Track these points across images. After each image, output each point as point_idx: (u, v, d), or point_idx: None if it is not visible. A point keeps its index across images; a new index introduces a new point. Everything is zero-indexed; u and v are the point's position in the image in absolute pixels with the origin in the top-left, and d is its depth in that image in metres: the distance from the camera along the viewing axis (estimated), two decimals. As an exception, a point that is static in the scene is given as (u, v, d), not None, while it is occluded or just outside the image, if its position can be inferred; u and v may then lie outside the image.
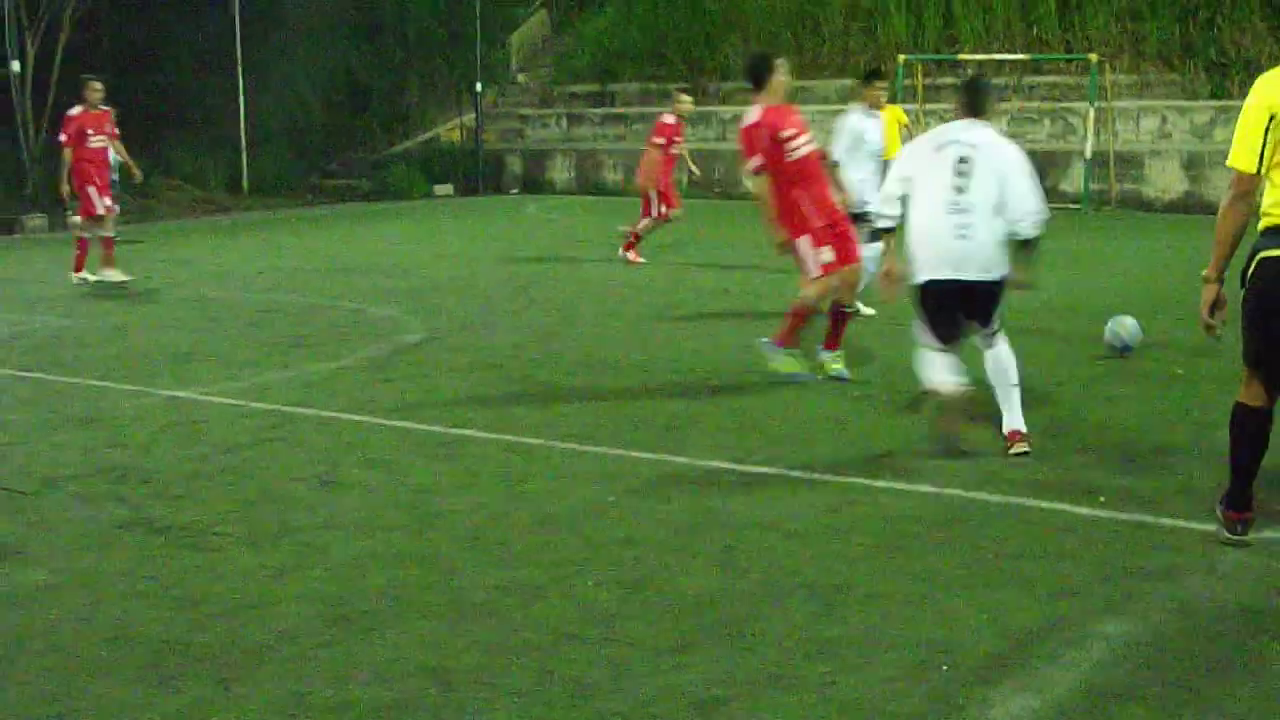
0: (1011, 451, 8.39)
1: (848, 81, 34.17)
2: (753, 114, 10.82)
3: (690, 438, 8.99)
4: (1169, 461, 8.31)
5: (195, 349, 12.73)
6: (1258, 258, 6.45)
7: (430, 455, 8.67)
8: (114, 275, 17.32)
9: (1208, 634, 5.54)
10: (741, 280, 17.40)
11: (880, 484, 7.79)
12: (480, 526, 7.09)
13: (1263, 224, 6.45)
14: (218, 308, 15.42)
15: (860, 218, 12.25)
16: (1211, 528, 6.83)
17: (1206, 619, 5.70)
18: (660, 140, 20.05)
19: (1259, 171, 6.35)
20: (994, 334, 8.75)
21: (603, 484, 7.86)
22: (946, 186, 8.54)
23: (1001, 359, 8.71)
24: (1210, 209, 27.68)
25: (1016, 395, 8.65)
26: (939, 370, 8.60)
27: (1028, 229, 8.56)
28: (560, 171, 36.80)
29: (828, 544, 6.71)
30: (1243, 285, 6.55)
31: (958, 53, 32.80)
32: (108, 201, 17.72)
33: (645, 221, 19.98)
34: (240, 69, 34.73)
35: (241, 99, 34.77)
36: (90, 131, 17.68)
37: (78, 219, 18.00)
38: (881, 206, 9.08)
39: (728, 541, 6.75)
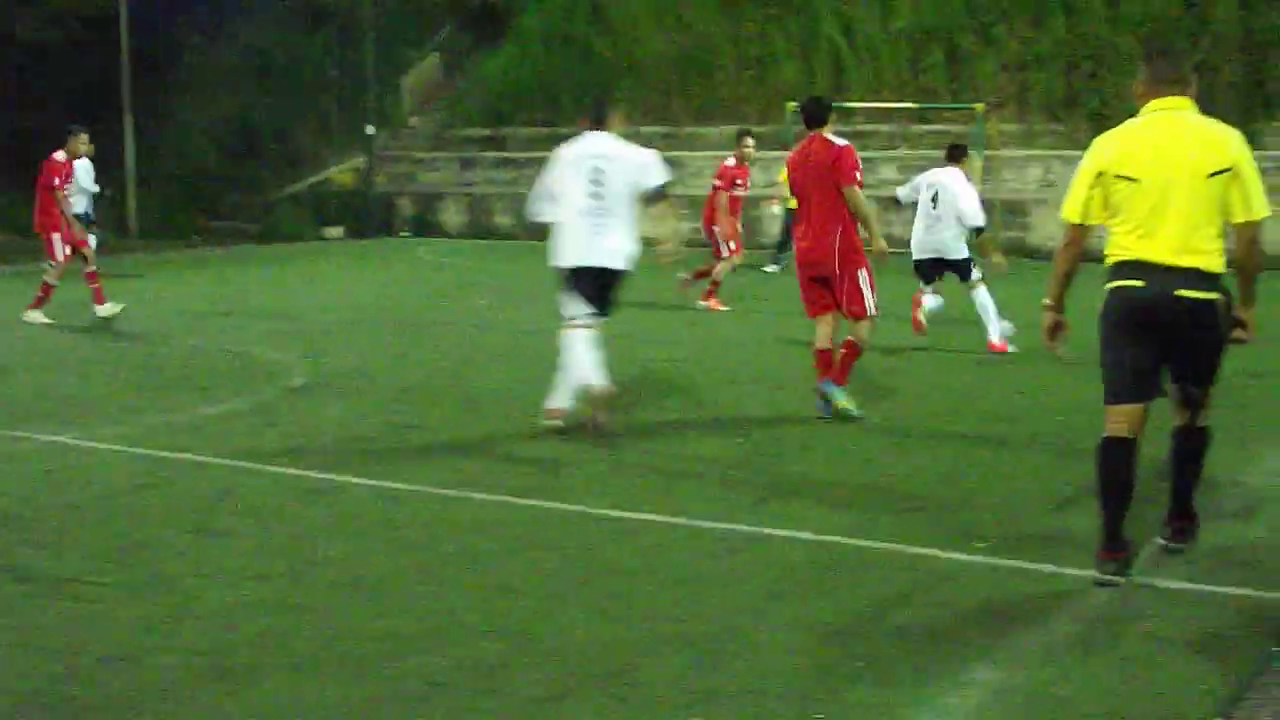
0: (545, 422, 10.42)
1: (737, 127, 34.42)
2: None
3: (573, 483, 8.96)
4: (1049, 507, 8.40)
5: (77, 392, 12.55)
6: (1111, 288, 7.12)
7: (310, 502, 8.57)
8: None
9: (1078, 680, 5.57)
10: (631, 324, 17.37)
11: (763, 530, 7.77)
12: (358, 575, 7.01)
13: (1106, 261, 7.19)
14: (101, 351, 15.22)
15: None
16: (1086, 572, 6.90)
17: (1076, 666, 5.73)
18: (719, 183, 20.26)
19: (1080, 222, 7.15)
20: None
21: (483, 531, 7.80)
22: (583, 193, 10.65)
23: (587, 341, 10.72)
24: (1092, 257, 27.99)
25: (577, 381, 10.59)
26: (588, 369, 10.50)
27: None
28: (452, 215, 36.74)
29: (710, 593, 6.69)
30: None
31: (847, 100, 33.10)
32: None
33: (720, 266, 19.73)
34: (127, 111, 34.36)
35: (129, 141, 34.41)
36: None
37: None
38: None
39: (609, 589, 6.71)
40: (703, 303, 19.33)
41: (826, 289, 11.18)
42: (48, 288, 17.84)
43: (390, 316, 18.31)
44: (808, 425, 10.89)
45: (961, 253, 15.23)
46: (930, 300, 15.49)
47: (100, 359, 14.58)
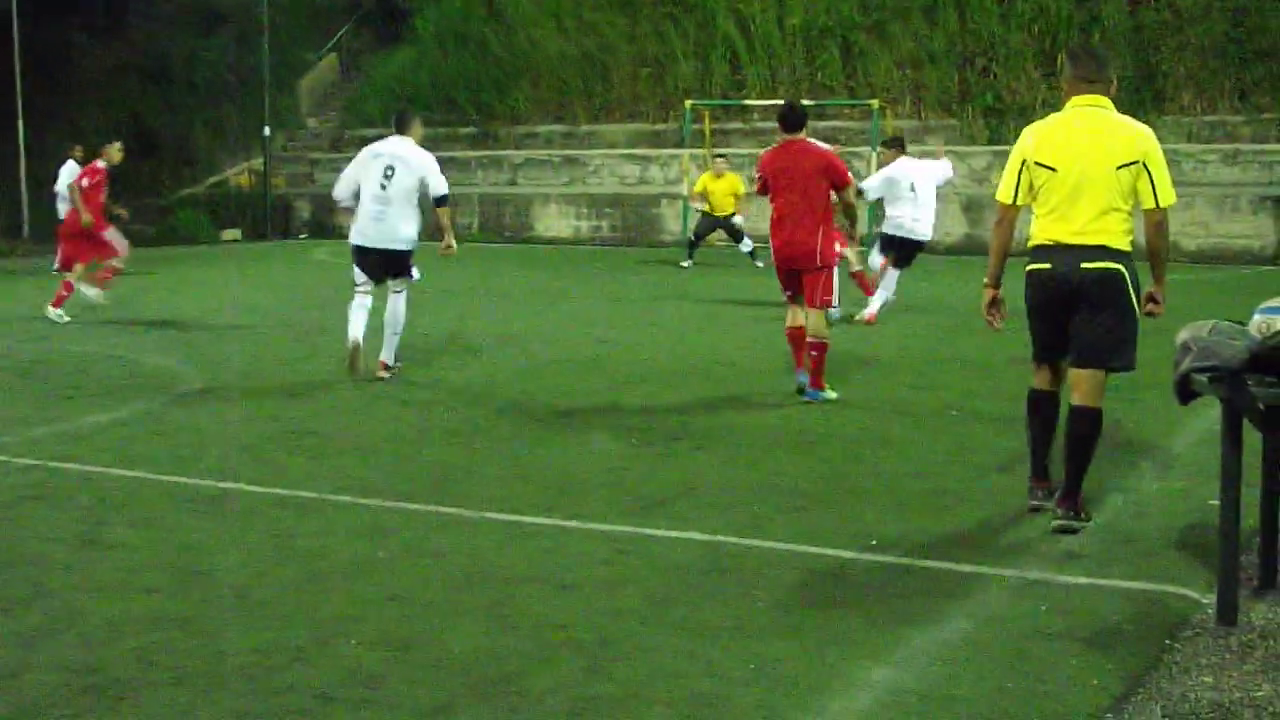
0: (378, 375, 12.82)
1: (636, 126, 34.51)
2: None
3: (465, 489, 8.88)
4: (941, 504, 8.40)
5: (-41, 402, 12.32)
6: (1026, 270, 7.98)
7: (198, 511, 8.44)
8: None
9: (970, 679, 5.57)
10: (526, 323, 17.35)
11: (653, 533, 7.74)
12: (245, 585, 6.89)
13: (1030, 244, 7.98)
14: (-14, 359, 14.96)
15: None
16: (979, 569, 6.94)
17: (969, 665, 5.73)
18: None
19: (1013, 202, 7.99)
20: (400, 291, 13.36)
21: (374, 538, 7.71)
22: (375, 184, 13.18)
23: (398, 309, 13.26)
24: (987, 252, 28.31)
25: (395, 340, 13.25)
26: (354, 327, 13.07)
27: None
28: (350, 216, 36.42)
29: (598, 597, 6.64)
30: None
31: (744, 98, 33.24)
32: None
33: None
34: (20, 113, 33.88)
35: (21, 143, 33.93)
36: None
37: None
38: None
39: (498, 596, 6.65)
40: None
41: (799, 281, 11.89)
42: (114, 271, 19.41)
43: (285, 320, 18.13)
44: (700, 424, 10.89)
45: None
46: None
47: (-13, 367, 14.33)
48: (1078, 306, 7.70)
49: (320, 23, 43.19)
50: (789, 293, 12.05)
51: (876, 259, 18.21)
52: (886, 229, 17.83)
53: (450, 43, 39.08)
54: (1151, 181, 7.64)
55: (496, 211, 34.09)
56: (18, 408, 11.99)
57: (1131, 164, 7.60)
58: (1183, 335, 6.40)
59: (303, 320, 18.06)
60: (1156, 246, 7.79)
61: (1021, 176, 7.91)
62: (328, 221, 36.10)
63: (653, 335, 16.47)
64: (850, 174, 12.25)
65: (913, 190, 17.54)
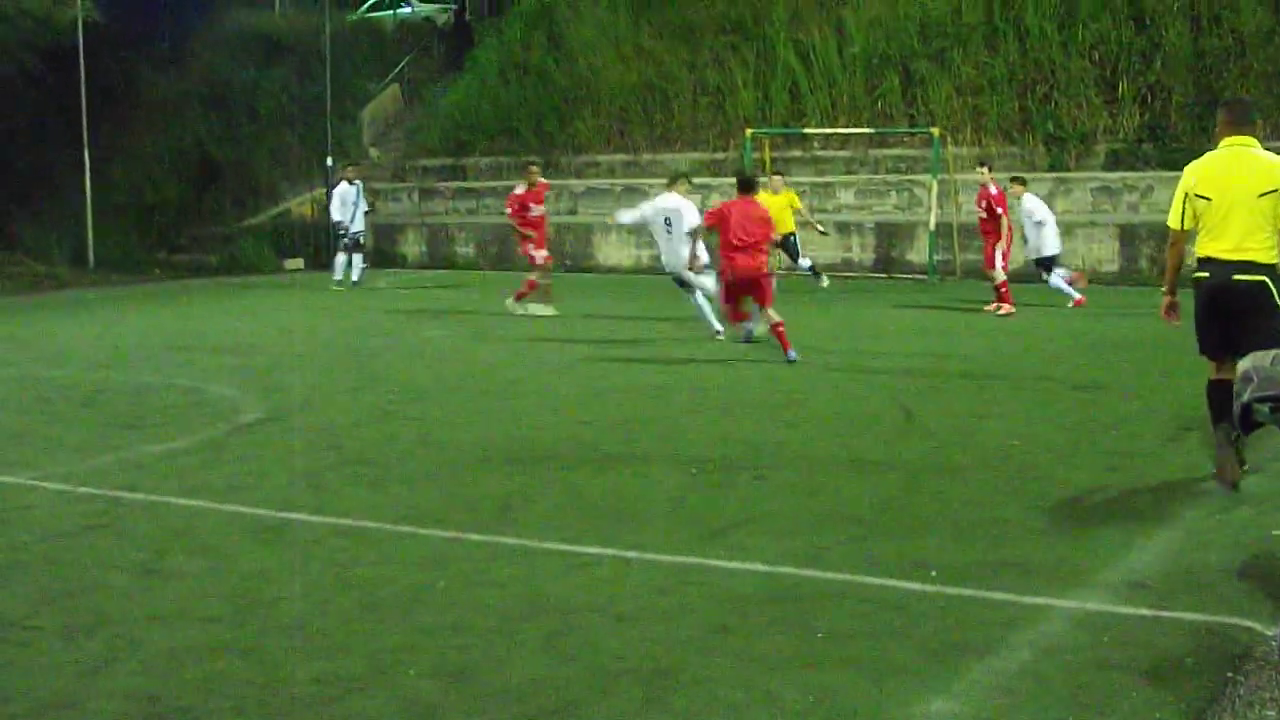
0: None
1: (697, 155, 34.50)
2: None
3: (523, 518, 8.89)
4: (1002, 534, 8.33)
5: (24, 431, 12.44)
6: (1194, 278, 9.47)
7: (259, 540, 8.49)
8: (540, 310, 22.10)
9: (1030, 712, 5.53)
10: (585, 356, 17.37)
11: (712, 563, 7.73)
12: (305, 614, 6.93)
13: (1196, 258, 9.52)
14: (50, 388, 15.09)
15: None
16: (1039, 600, 6.90)
17: (1029, 697, 5.69)
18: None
19: (1181, 228, 9.54)
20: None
21: (432, 568, 7.73)
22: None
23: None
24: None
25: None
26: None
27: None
28: (412, 245, 36.66)
29: (657, 627, 6.63)
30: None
31: (804, 126, 33.18)
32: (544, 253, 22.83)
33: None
34: (86, 143, 34.24)
35: (88, 173, 34.29)
36: (531, 204, 22.59)
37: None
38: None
39: (556, 627, 6.65)
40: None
41: (751, 291, 16.87)
42: (532, 284, 22.48)
43: (345, 349, 18.21)
44: (760, 453, 10.86)
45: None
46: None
47: (49, 396, 14.46)
48: (1233, 312, 9.21)
49: (382, 52, 43.46)
50: (742, 297, 16.99)
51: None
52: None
53: (511, 72, 39.22)
54: None
55: (558, 240, 34.11)
56: (81, 437, 12.11)
57: (1272, 192, 9.17)
58: (1244, 365, 6.36)
59: (363, 349, 18.13)
60: None
61: (1185, 207, 9.45)
62: (389, 251, 36.27)
63: (711, 364, 16.43)
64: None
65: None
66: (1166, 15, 30.59)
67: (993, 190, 22.56)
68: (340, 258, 28.65)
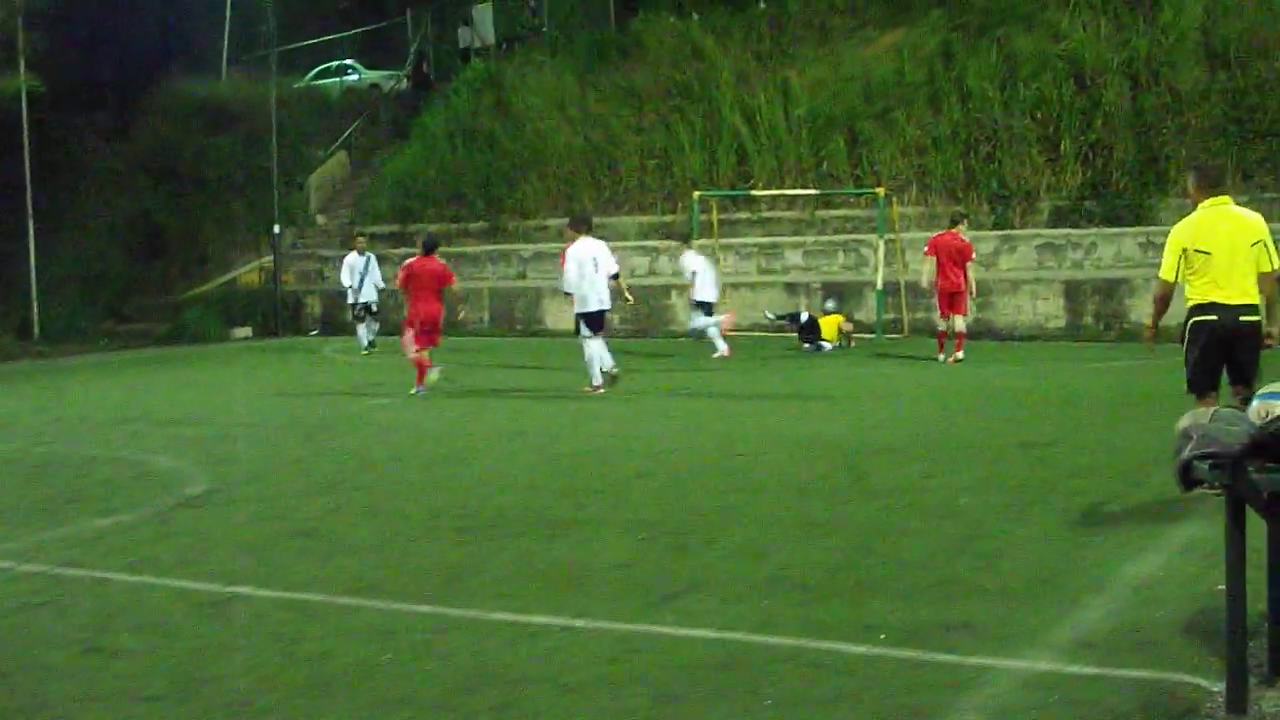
0: None
1: (644, 218, 34.60)
2: None
3: (472, 588, 8.83)
4: (951, 595, 8.33)
5: (-34, 507, 12.30)
6: (1190, 323, 10.98)
7: (203, 615, 8.40)
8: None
9: (979, 776, 5.52)
10: (537, 419, 17.35)
11: (662, 630, 7.69)
12: (249, 691, 6.85)
13: (1189, 304, 11.00)
14: (-7, 463, 14.95)
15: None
16: (988, 661, 6.89)
17: (978, 760, 5.68)
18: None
19: (1174, 280, 10.98)
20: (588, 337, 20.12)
21: (379, 640, 7.66)
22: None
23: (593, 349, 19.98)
24: (998, 334, 28.38)
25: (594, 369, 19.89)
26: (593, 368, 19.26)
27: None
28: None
29: (605, 697, 6.59)
30: (1182, 340, 11.09)
31: (751, 188, 33.34)
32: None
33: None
34: (30, 213, 34.09)
35: (32, 243, 34.12)
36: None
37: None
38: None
39: (504, 698, 6.59)
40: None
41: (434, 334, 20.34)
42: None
43: (293, 419, 18.11)
44: (709, 517, 10.84)
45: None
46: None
47: (-5, 472, 14.33)
48: (1235, 348, 10.82)
49: (329, 119, 43.47)
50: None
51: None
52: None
53: (459, 137, 39.29)
54: (1268, 251, 10.87)
55: (507, 305, 34.16)
56: (23, 511, 11.98)
57: (1258, 242, 10.85)
58: (1184, 422, 6.38)
59: (311, 419, 18.04)
60: (1273, 298, 10.93)
61: (1181, 261, 10.86)
62: (338, 318, 36.16)
63: (661, 428, 16.44)
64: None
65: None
66: (1106, 74, 30.96)
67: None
68: (360, 329, 29.52)
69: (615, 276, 20.71)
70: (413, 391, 20.12)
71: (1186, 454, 6.16)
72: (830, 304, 29.09)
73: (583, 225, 20.94)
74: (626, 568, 9.28)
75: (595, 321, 20.18)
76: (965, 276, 23.65)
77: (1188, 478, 6.28)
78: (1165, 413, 11.00)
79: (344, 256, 30.47)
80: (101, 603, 8.77)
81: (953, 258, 23.43)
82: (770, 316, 29.52)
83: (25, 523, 11.47)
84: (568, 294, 20.63)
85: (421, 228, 37.72)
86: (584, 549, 9.93)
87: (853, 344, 27.44)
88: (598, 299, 20.17)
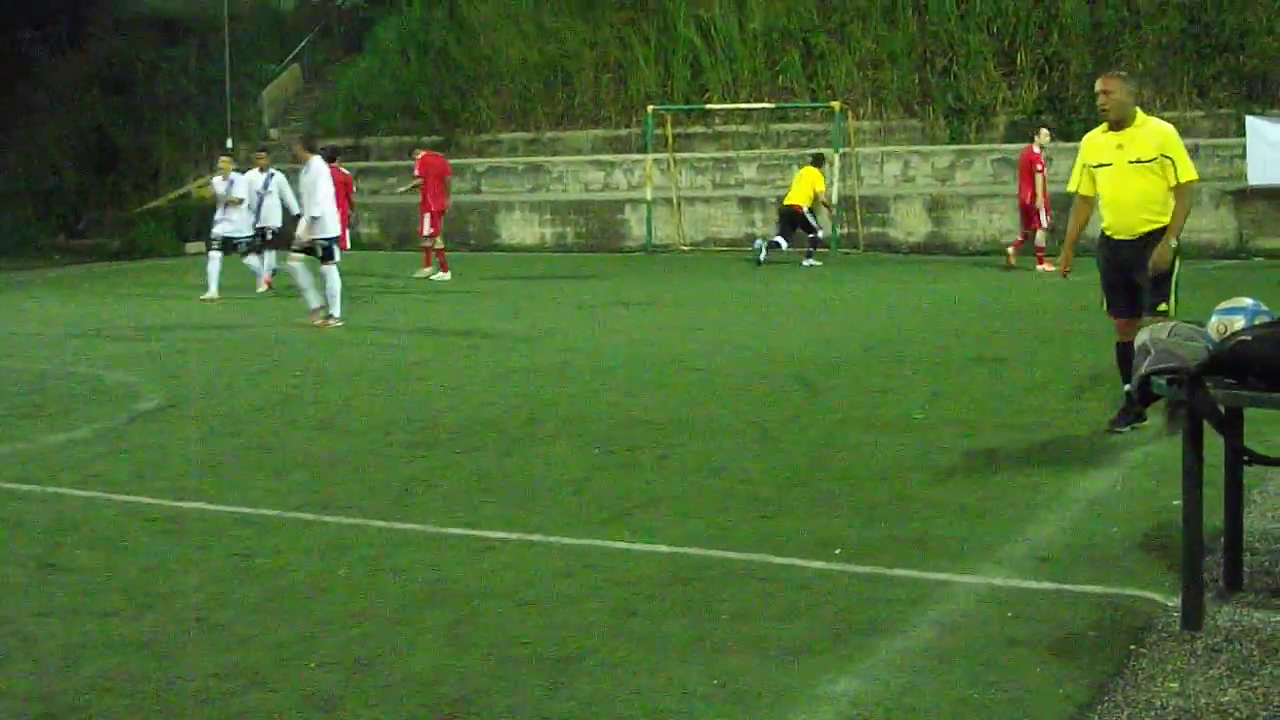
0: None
1: (599, 132, 34.45)
2: None
3: (426, 503, 8.81)
4: (906, 510, 8.34)
5: (-86, 423, 12.19)
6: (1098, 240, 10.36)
7: (158, 531, 8.35)
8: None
9: (935, 689, 5.53)
10: (490, 334, 17.30)
11: (616, 545, 7.68)
12: (203, 606, 6.82)
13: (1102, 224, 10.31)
14: (-57, 379, 14.81)
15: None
16: (945, 576, 6.92)
17: (934, 674, 5.69)
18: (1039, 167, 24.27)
19: (1077, 191, 10.38)
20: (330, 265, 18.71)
21: (333, 556, 7.63)
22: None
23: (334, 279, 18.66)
24: (954, 249, 28.40)
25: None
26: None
27: None
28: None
29: (560, 612, 6.58)
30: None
31: (706, 102, 33.20)
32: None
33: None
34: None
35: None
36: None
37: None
38: None
39: (459, 614, 6.58)
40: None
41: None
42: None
43: (247, 334, 18.01)
44: (664, 432, 10.83)
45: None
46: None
47: (-55, 387, 14.20)
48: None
49: (282, 33, 43.04)
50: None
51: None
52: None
53: (412, 51, 38.96)
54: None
55: (461, 220, 33.97)
56: (-25, 428, 11.89)
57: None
58: (1141, 337, 6.37)
59: (264, 334, 17.94)
60: None
61: (1084, 174, 10.37)
62: (290, 232, 35.83)
63: (616, 341, 16.41)
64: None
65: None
66: (1063, -13, 30.90)
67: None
68: (252, 259, 24.43)
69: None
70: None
71: (1144, 369, 6.16)
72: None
73: (314, 146, 20.17)
74: (581, 482, 9.27)
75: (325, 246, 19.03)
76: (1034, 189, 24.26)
77: (1145, 393, 6.29)
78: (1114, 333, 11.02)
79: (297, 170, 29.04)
80: (55, 518, 8.69)
81: (1024, 170, 24.29)
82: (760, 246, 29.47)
83: (-25, 439, 11.38)
84: (315, 217, 18.93)
85: (375, 141, 37.55)
86: (538, 464, 9.91)
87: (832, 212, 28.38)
88: (335, 222, 19.52)
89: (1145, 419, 10.02)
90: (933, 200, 29.41)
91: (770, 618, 6.42)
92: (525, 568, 7.36)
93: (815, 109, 31.92)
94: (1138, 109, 10.15)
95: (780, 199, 28.27)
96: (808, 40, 33.26)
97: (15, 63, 36.78)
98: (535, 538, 7.90)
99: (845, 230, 29.49)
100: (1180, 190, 9.96)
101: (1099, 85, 10.07)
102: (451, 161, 34.57)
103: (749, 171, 31.99)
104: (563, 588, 6.96)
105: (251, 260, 24.16)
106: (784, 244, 27.24)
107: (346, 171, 24.72)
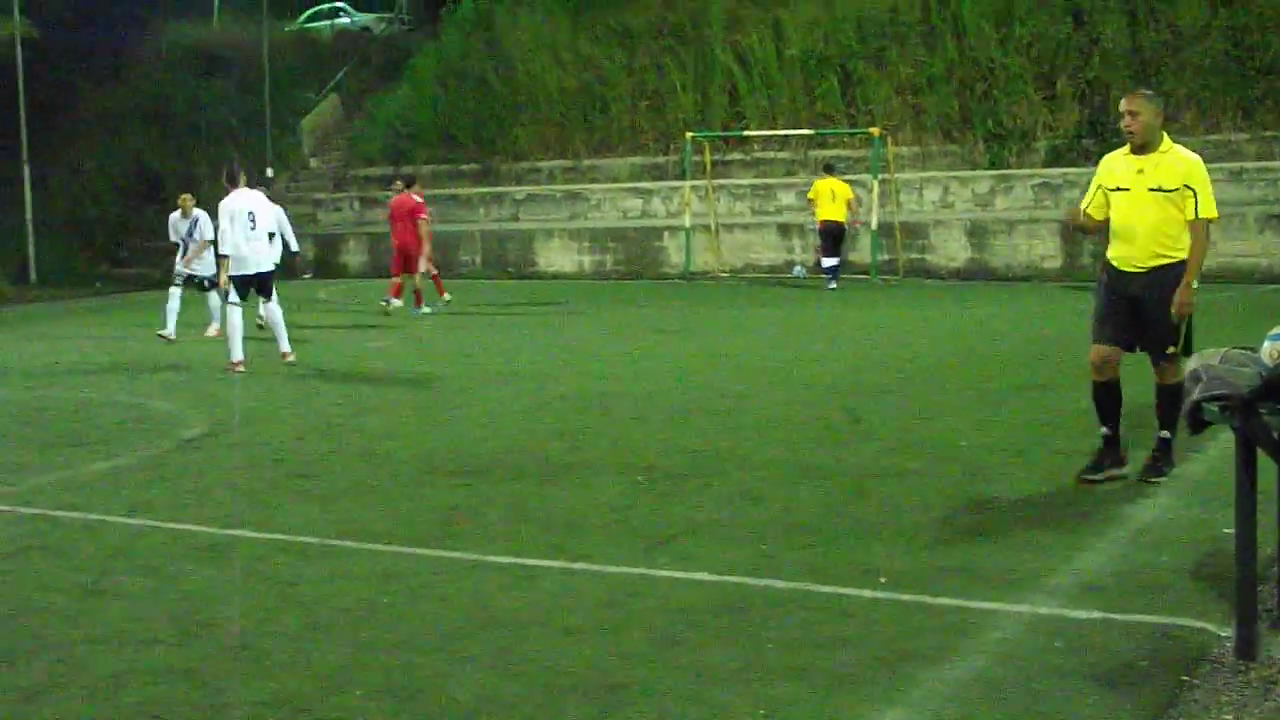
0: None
1: (637, 159, 34.48)
2: None
3: (469, 531, 8.80)
4: (951, 538, 8.29)
5: (-37, 452, 12.26)
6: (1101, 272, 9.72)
7: (202, 559, 8.36)
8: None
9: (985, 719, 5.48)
10: (529, 361, 17.30)
11: (659, 573, 7.65)
12: (248, 634, 6.82)
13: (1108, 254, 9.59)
14: (-13, 407, 14.90)
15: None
16: (991, 605, 6.86)
17: (983, 704, 5.63)
18: None
19: (1086, 210, 9.69)
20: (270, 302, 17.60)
21: (377, 584, 7.62)
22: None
23: (273, 313, 17.70)
24: (995, 275, 28.28)
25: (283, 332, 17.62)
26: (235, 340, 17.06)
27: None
28: (354, 255, 36.42)
29: (605, 640, 6.55)
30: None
31: (744, 129, 33.20)
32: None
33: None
34: (26, 158, 33.99)
35: (28, 188, 34.01)
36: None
37: None
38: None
39: (503, 642, 6.56)
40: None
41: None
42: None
43: (286, 363, 18.05)
44: (706, 460, 10.79)
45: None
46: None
47: (-11, 416, 14.28)
48: None
49: (321, 63, 43.28)
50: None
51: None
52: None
53: (450, 80, 39.13)
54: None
55: (499, 248, 34.02)
56: (20, 456, 11.94)
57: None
58: (1192, 364, 6.31)
59: (304, 362, 17.97)
60: None
61: (1096, 195, 9.66)
62: (331, 261, 36.05)
63: (655, 369, 16.38)
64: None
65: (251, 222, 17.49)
66: (1104, 10, 30.79)
67: None
68: (213, 297, 21.72)
69: (270, 235, 18.12)
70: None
71: (1196, 395, 6.10)
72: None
73: (235, 179, 17.94)
74: (623, 511, 9.24)
75: (248, 285, 17.59)
76: None
77: (1197, 420, 6.22)
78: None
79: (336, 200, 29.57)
80: (100, 546, 8.73)
81: None
82: (803, 272, 29.59)
83: (24, 466, 11.43)
84: (222, 255, 17.70)
85: (414, 170, 37.68)
86: (580, 492, 9.88)
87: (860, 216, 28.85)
88: (256, 262, 17.55)
89: (1125, 465, 9.59)
90: (973, 226, 29.31)
91: (816, 646, 6.38)
92: (568, 596, 7.33)
93: (854, 135, 31.85)
94: (1164, 134, 9.41)
95: (819, 221, 28.34)
96: (846, 66, 33.24)
97: (58, 96, 37.04)
98: (578, 566, 7.88)
99: (885, 256, 29.41)
100: (1197, 226, 9.22)
101: (1125, 105, 9.34)
102: (490, 190, 34.79)
103: (787, 198, 31.95)
104: (606, 616, 6.94)
105: (211, 297, 21.72)
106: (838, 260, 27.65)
107: (418, 199, 24.98)
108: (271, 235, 18.00)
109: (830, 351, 17.70)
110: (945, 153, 31.52)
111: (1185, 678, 5.84)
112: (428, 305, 24.35)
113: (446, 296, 25.31)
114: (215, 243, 19.34)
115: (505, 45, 38.72)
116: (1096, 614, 6.70)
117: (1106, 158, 9.76)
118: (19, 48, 33.97)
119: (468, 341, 19.95)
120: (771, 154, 33.48)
